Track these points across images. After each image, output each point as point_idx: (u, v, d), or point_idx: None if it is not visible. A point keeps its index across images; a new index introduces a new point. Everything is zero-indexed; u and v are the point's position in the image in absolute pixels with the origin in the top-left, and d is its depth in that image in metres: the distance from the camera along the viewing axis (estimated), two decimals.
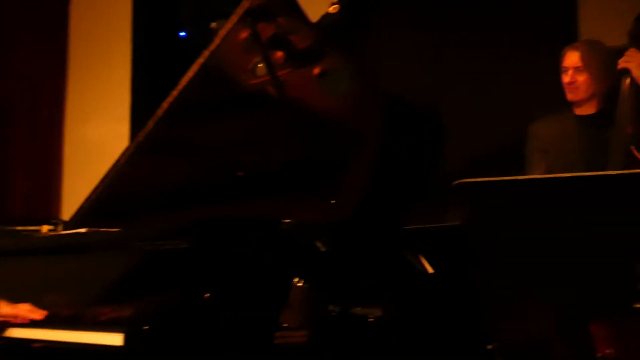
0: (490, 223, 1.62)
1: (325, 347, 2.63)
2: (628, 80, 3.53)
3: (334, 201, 2.84)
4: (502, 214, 1.60)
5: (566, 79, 3.71)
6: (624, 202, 1.50)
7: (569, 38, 4.28)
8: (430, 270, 2.94)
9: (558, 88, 3.87)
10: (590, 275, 1.59)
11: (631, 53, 3.54)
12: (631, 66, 3.51)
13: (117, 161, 3.00)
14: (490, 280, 1.64)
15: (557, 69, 3.88)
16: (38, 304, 2.58)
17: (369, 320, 2.71)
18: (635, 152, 3.30)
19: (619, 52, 3.61)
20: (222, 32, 2.81)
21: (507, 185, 1.57)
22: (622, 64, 3.55)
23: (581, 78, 3.67)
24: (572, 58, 3.70)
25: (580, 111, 3.72)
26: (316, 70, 3.07)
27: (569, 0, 4.43)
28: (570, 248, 1.57)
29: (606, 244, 1.55)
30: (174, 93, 2.80)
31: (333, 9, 3.02)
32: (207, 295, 2.24)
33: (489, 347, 3.42)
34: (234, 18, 2.77)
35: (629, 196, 1.48)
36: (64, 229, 3.17)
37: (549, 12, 4.46)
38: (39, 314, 2.60)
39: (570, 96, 3.70)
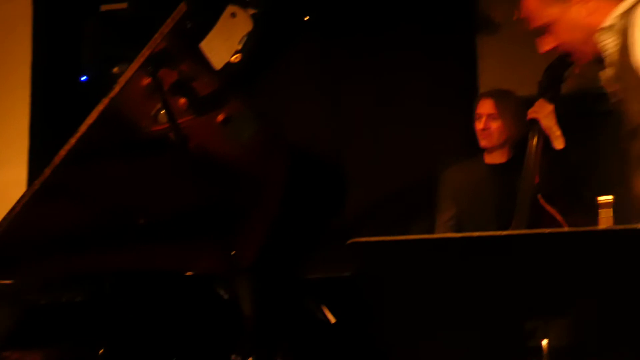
0: (384, 281, 1.62)
1: None
2: (536, 129, 3.62)
3: (233, 252, 2.80)
4: (394, 271, 1.60)
5: (479, 125, 3.77)
6: (515, 261, 1.53)
7: (470, 87, 4.41)
8: (332, 320, 2.94)
9: (465, 135, 3.95)
10: (481, 333, 1.62)
11: (540, 104, 3.64)
12: (540, 117, 3.61)
13: (13, 209, 2.90)
14: (385, 333, 1.65)
15: (461, 117, 3.97)
16: None
17: None
18: (542, 202, 3.38)
19: (529, 102, 3.72)
20: (123, 79, 2.77)
21: (399, 245, 1.58)
22: (531, 114, 3.65)
23: (494, 125, 3.74)
24: (486, 105, 3.77)
25: (490, 159, 3.80)
26: (220, 117, 3.06)
27: (470, 51, 4.51)
28: (461, 306, 1.59)
29: (496, 302, 1.57)
30: (72, 140, 2.73)
31: (235, 58, 3.03)
32: (102, 350, 2.17)
33: None
34: (135, 65, 2.74)
35: (520, 256, 1.51)
36: None
37: (450, 62, 4.54)
38: None
39: (483, 142, 3.77)
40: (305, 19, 3.36)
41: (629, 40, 2.14)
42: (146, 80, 2.83)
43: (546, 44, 2.36)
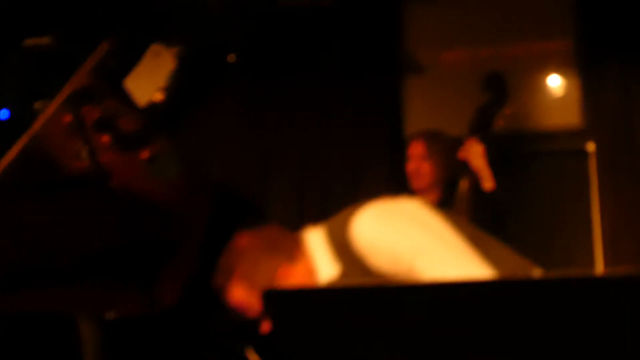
0: (299, 331, 1.62)
1: None
2: (467, 170, 3.66)
3: (154, 291, 2.77)
4: (310, 322, 1.61)
5: (411, 166, 3.80)
6: (436, 310, 1.55)
7: (395, 127, 4.48)
8: None
9: (391, 177, 4.00)
10: None
11: (470, 144, 3.69)
12: (470, 157, 3.66)
13: None
14: None
15: (387, 159, 4.03)
16: None
17: None
18: None
19: (459, 143, 3.76)
20: (44, 116, 2.74)
21: (316, 294, 1.59)
22: (461, 154, 3.70)
23: (425, 166, 3.77)
24: (417, 146, 3.80)
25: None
26: (144, 155, 3.04)
27: (395, 92, 4.58)
28: (378, 357, 1.61)
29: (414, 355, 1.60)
30: None
31: (157, 96, 3.02)
32: None
33: None
34: (56, 101, 2.72)
35: (441, 304, 1.53)
36: None
37: (375, 104, 4.61)
38: None
39: (415, 184, 3.80)
40: (230, 59, 3.38)
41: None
42: (68, 117, 2.81)
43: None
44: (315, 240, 2.37)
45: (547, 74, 4.52)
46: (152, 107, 3.02)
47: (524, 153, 4.49)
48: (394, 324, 1.54)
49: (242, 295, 2.33)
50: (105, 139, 2.93)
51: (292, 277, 2.34)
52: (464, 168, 3.67)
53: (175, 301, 2.90)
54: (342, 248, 2.32)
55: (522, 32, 4.50)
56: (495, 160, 3.85)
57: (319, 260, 2.35)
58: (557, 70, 4.50)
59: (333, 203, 4.47)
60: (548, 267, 4.43)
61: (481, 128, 3.76)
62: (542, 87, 4.51)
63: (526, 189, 4.44)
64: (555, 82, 4.51)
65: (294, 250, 2.36)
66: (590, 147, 4.31)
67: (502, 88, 3.91)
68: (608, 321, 1.48)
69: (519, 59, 4.52)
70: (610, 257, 4.20)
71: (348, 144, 4.59)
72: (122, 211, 2.91)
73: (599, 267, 4.16)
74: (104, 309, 2.78)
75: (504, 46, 4.55)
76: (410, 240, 2.26)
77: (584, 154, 4.32)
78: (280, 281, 2.33)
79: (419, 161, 3.77)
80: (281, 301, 1.55)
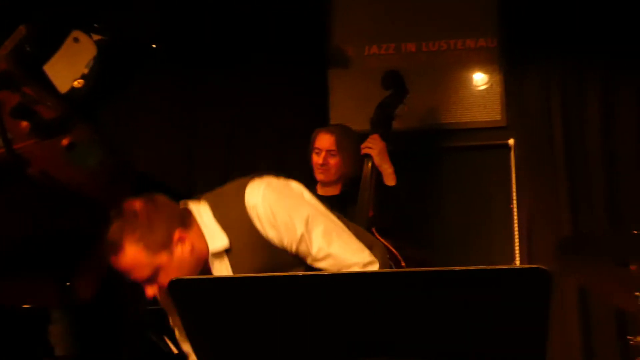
0: (203, 317, 1.65)
1: None
2: (370, 165, 3.72)
3: (72, 284, 2.75)
4: (213, 308, 1.64)
5: (319, 160, 3.79)
6: (329, 299, 1.60)
7: (323, 120, 4.52)
8: (174, 350, 2.93)
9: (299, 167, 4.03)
10: None
11: (373, 139, 3.75)
12: (373, 152, 3.72)
13: None
14: None
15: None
16: None
17: None
18: (377, 235, 3.44)
19: (364, 137, 3.82)
20: None
21: (218, 282, 1.62)
22: (364, 149, 3.75)
23: (333, 161, 3.77)
24: (326, 141, 3.80)
25: (323, 192, 3.83)
26: (64, 142, 3.01)
27: (322, 84, 4.61)
28: (278, 343, 1.65)
29: (310, 340, 1.64)
30: None
31: (78, 83, 3.00)
32: None
33: None
34: None
35: (337, 294, 1.58)
36: None
37: (303, 95, 4.63)
38: None
39: (320, 177, 3.80)
40: (154, 46, 3.36)
41: None
42: None
43: (152, 291, 2.41)
44: (204, 212, 2.45)
45: (472, 71, 4.59)
46: (73, 94, 2.99)
47: (448, 147, 4.57)
48: (290, 311, 1.58)
49: (136, 256, 2.33)
50: (24, 125, 2.90)
51: (188, 242, 2.39)
52: (368, 162, 3.74)
53: (94, 294, 2.89)
54: (233, 219, 2.44)
55: (447, 29, 4.57)
56: (404, 156, 3.93)
57: (209, 230, 2.42)
58: (481, 67, 4.58)
59: None
60: (472, 256, 4.51)
61: (381, 125, 3.83)
62: (466, 84, 4.59)
63: (450, 182, 4.53)
64: (479, 79, 4.58)
65: (186, 218, 2.42)
66: (511, 142, 4.40)
67: (401, 85, 3.99)
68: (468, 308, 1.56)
69: (443, 55, 4.59)
70: (526, 246, 4.31)
71: (273, 133, 4.60)
72: (41, 200, 2.88)
73: (518, 254, 4.26)
74: (20, 300, 2.75)
75: (428, 42, 4.60)
76: (302, 211, 2.43)
77: (505, 149, 4.40)
78: (177, 246, 2.37)
79: (326, 156, 3.77)
80: (186, 289, 1.58)
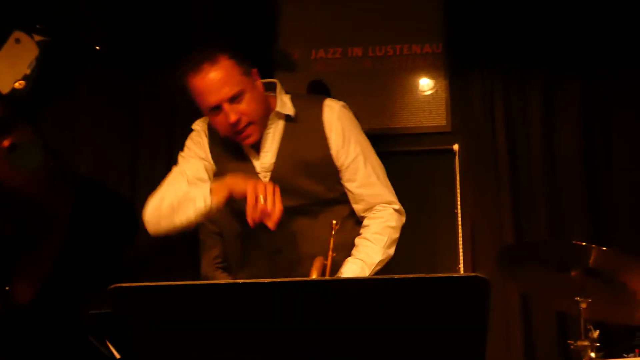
0: (143, 323, 1.66)
1: None
2: None
3: (10, 288, 2.72)
4: (152, 315, 1.64)
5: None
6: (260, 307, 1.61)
7: None
8: (117, 355, 2.92)
9: None
10: None
11: None
12: None
13: None
14: None
15: None
16: None
17: None
18: None
19: None
20: None
21: (156, 290, 1.62)
22: None
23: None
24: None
25: None
26: (5, 143, 2.99)
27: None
28: (215, 349, 1.66)
29: (247, 347, 1.65)
30: None
31: (19, 84, 2.97)
32: None
33: None
34: None
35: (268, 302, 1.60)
36: None
37: None
38: None
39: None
40: (97, 48, 3.34)
41: None
42: None
43: (235, 115, 2.58)
44: (284, 95, 2.80)
45: (417, 76, 4.64)
46: (14, 95, 2.97)
47: (393, 152, 4.59)
48: (228, 318, 1.59)
49: (229, 68, 2.54)
50: None
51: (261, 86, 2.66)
52: None
53: (32, 299, 2.87)
54: (307, 109, 2.76)
55: (393, 34, 4.60)
56: None
57: (281, 102, 2.74)
58: (427, 73, 4.63)
59: None
60: (417, 261, 4.54)
61: None
62: (412, 89, 4.63)
63: (395, 187, 4.54)
64: (424, 84, 4.63)
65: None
66: (456, 147, 4.45)
67: (327, 94, 4.01)
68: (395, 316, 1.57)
69: (389, 60, 4.63)
70: (470, 252, 4.36)
71: None
72: None
73: (462, 259, 4.30)
74: None
75: (375, 47, 4.64)
76: (362, 140, 2.78)
77: (449, 154, 4.44)
78: (257, 80, 2.64)
79: None
80: (125, 295, 1.58)
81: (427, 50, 4.60)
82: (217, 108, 2.62)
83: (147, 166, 4.61)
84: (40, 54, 2.98)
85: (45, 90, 3.03)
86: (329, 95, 4.03)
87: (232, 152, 2.75)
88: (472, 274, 1.58)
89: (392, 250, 2.75)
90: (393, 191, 2.81)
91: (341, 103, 2.75)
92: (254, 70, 2.63)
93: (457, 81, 4.57)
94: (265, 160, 2.72)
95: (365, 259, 2.66)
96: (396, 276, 1.55)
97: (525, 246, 4.05)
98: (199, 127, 2.86)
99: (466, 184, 4.43)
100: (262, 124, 2.68)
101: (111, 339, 2.94)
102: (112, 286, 1.56)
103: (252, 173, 2.71)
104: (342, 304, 1.57)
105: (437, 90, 4.60)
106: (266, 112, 2.67)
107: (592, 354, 3.02)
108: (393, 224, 2.77)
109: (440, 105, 4.58)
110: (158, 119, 4.65)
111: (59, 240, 2.99)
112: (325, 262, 2.58)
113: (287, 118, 2.69)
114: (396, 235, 2.77)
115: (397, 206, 2.79)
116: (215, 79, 2.58)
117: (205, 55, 2.61)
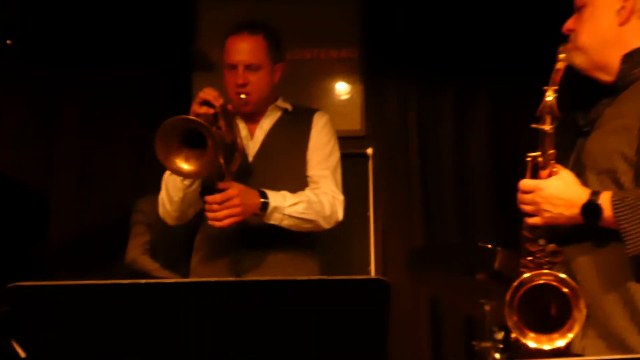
0: (40, 321, 1.66)
1: None
2: None
3: None
4: (49, 313, 1.65)
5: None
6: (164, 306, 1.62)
7: None
8: (22, 354, 2.88)
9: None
10: None
11: None
12: None
13: None
14: None
15: None
16: None
17: None
18: None
19: None
20: None
21: (53, 289, 1.62)
22: None
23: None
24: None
25: None
26: None
27: (186, 88, 4.59)
28: (112, 346, 1.67)
29: (143, 345, 1.67)
30: None
31: None
32: None
33: None
34: None
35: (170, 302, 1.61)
36: None
37: (166, 99, 4.59)
38: None
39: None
40: (8, 42, 3.30)
41: None
42: None
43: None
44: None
45: (334, 80, 4.68)
46: None
47: None
48: (127, 316, 1.60)
49: None
50: None
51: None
52: None
53: None
54: (301, 110, 3.26)
55: (311, 38, 4.63)
56: None
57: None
58: (343, 77, 4.67)
59: (116, 194, 4.44)
60: (331, 261, 4.59)
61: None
62: (328, 93, 4.67)
63: None
64: (341, 89, 4.67)
65: None
66: (369, 151, 4.51)
67: None
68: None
69: (307, 64, 4.65)
70: (381, 254, 4.43)
71: (135, 132, 4.54)
72: None
73: (373, 261, 4.35)
74: None
75: (292, 51, 4.65)
76: (338, 153, 3.23)
77: (363, 158, 4.51)
78: None
79: None
80: (23, 294, 1.57)
81: (343, 55, 4.64)
82: (234, 67, 3.04)
83: (61, 164, 4.55)
84: None
85: None
86: None
87: None
88: (373, 277, 1.63)
89: (310, 217, 3.00)
90: (340, 188, 3.19)
91: (327, 116, 3.23)
92: (280, 65, 3.16)
93: (372, 87, 4.61)
94: (254, 141, 3.09)
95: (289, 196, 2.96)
96: (299, 278, 1.59)
97: (433, 248, 4.14)
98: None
99: (379, 188, 4.49)
100: (260, 103, 3.10)
101: (16, 337, 2.90)
102: (9, 285, 1.56)
103: (239, 150, 3.01)
104: (245, 303, 1.60)
105: (352, 95, 4.64)
106: (268, 98, 3.13)
107: (497, 355, 3.10)
108: (327, 209, 3.05)
109: (355, 110, 4.62)
110: (73, 117, 4.61)
111: None
112: None
113: (284, 112, 3.16)
114: (321, 216, 3.02)
115: (341, 198, 3.17)
116: (245, 45, 3.03)
117: (250, 25, 3.10)
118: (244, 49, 3.06)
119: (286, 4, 4.60)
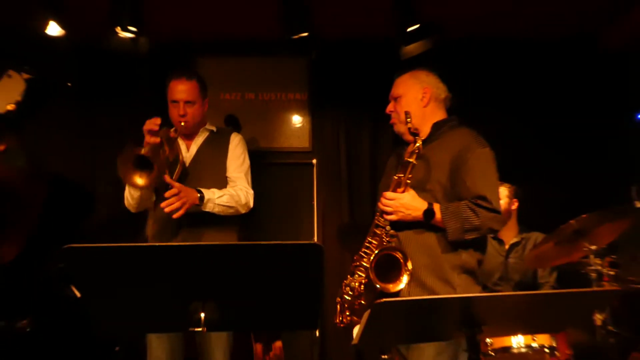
0: (89, 273, 1.66)
1: None
2: None
3: None
4: (96, 268, 1.65)
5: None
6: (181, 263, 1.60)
7: None
8: (78, 295, 2.90)
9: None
10: (162, 311, 1.70)
11: None
12: None
13: None
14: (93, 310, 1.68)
15: None
16: None
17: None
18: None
19: None
20: None
21: (98, 250, 1.62)
22: None
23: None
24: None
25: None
26: (0, 148, 2.92)
27: None
28: (147, 292, 1.66)
29: (171, 291, 1.66)
30: None
31: (10, 107, 2.92)
32: None
33: (117, 348, 3.45)
34: None
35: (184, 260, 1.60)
36: None
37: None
38: None
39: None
40: (69, 85, 3.32)
41: None
42: None
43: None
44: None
45: (291, 114, 4.68)
46: (6, 114, 2.91)
47: (272, 163, 4.60)
48: (147, 270, 1.60)
49: None
50: None
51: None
52: None
53: (13, 258, 2.82)
54: (221, 132, 3.22)
55: (276, 84, 4.64)
56: None
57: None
58: (297, 112, 4.68)
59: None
60: (285, 239, 4.54)
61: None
62: (286, 121, 4.68)
63: (271, 188, 4.53)
64: (296, 120, 4.68)
65: None
66: (314, 161, 4.51)
67: (236, 124, 4.11)
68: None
69: (272, 102, 4.67)
70: (322, 231, 4.39)
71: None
72: None
73: (316, 236, 4.30)
74: None
75: (263, 93, 4.67)
76: (247, 161, 3.24)
77: (310, 166, 4.46)
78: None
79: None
80: (73, 253, 1.58)
81: (297, 97, 4.66)
82: (176, 102, 3.02)
83: (101, 162, 4.40)
84: (26, 87, 2.94)
85: (28, 111, 2.98)
86: (238, 123, 4.10)
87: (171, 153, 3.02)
88: (309, 242, 1.61)
89: (232, 205, 3.00)
90: (250, 185, 3.14)
91: (240, 136, 3.22)
92: (206, 100, 3.14)
93: (316, 118, 4.64)
94: (190, 153, 3.07)
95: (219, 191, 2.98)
96: (249, 243, 1.57)
97: (355, 225, 4.21)
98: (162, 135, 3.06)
99: (320, 185, 4.40)
100: (195, 126, 3.10)
101: (74, 284, 2.91)
102: (65, 246, 1.56)
103: (180, 161, 3.02)
104: (208, 264, 1.57)
105: (303, 124, 4.67)
106: (200, 122, 3.12)
107: None
108: (243, 199, 3.04)
109: (305, 134, 4.65)
110: (108, 133, 4.51)
111: (33, 218, 2.95)
112: None
113: (211, 133, 3.15)
114: (239, 204, 3.03)
115: (251, 192, 3.12)
116: (184, 87, 3.00)
117: (187, 72, 3.07)
118: (183, 90, 3.01)
119: (256, 62, 4.59)
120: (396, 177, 2.46)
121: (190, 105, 3.05)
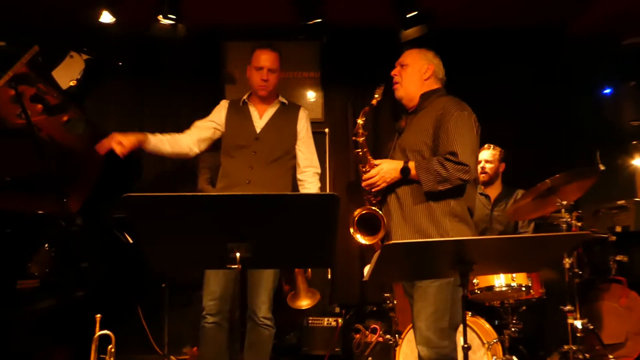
0: (144, 219, 1.64)
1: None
2: None
3: (65, 201, 2.70)
4: (150, 214, 1.62)
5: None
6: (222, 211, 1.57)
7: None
8: (130, 240, 2.95)
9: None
10: (206, 250, 1.69)
11: None
12: None
13: None
14: (148, 249, 1.67)
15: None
16: None
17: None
18: None
19: None
20: None
21: (152, 198, 1.57)
22: None
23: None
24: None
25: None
26: (64, 118, 2.95)
27: (219, 92, 4.52)
28: (193, 235, 1.64)
29: (213, 234, 1.64)
30: None
31: (73, 82, 2.93)
32: None
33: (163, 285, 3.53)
34: (2, 81, 2.58)
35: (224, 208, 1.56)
36: None
37: (208, 100, 4.52)
38: None
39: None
40: (120, 63, 3.31)
41: None
42: (11, 92, 2.67)
43: None
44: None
45: (306, 90, 4.64)
46: (69, 89, 2.92)
47: None
48: (201, 216, 1.57)
49: None
50: (38, 107, 2.82)
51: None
52: None
53: (78, 208, 2.86)
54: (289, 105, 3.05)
55: (294, 64, 4.56)
56: None
57: None
58: (311, 88, 4.64)
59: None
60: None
61: None
62: (302, 96, 4.63)
63: None
64: (310, 95, 4.64)
65: None
66: (327, 130, 4.52)
67: None
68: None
69: (292, 80, 4.61)
70: (332, 186, 4.42)
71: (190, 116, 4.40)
72: (48, 152, 2.82)
73: (328, 189, 4.35)
74: (36, 209, 2.67)
75: (281, 72, 4.63)
76: (310, 131, 3.06)
77: (323, 134, 4.51)
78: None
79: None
80: (131, 201, 1.55)
81: (311, 75, 4.61)
82: (260, 68, 2.90)
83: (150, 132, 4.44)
84: (85, 66, 2.94)
85: (88, 86, 2.99)
86: None
87: (241, 118, 2.95)
88: (328, 193, 1.62)
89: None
90: (317, 161, 3.01)
91: (307, 112, 3.04)
92: (281, 73, 2.94)
93: (328, 93, 4.60)
94: (261, 123, 2.93)
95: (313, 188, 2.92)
96: (278, 193, 1.57)
97: (357, 183, 4.20)
98: (224, 103, 3.08)
99: (331, 151, 4.50)
100: (271, 94, 2.95)
101: (127, 231, 2.96)
102: (124, 195, 1.54)
103: (251, 131, 2.90)
104: (243, 211, 1.56)
105: (316, 98, 4.62)
106: (276, 93, 2.97)
107: None
108: (316, 184, 2.98)
109: (318, 107, 4.61)
110: (156, 106, 4.55)
111: (94, 174, 2.98)
112: None
113: (282, 104, 2.98)
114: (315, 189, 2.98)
115: (318, 170, 3.01)
116: (269, 55, 2.88)
117: (271, 44, 2.90)
118: (268, 58, 2.90)
119: (277, 45, 4.55)
120: (357, 152, 2.49)
121: (272, 73, 2.91)
